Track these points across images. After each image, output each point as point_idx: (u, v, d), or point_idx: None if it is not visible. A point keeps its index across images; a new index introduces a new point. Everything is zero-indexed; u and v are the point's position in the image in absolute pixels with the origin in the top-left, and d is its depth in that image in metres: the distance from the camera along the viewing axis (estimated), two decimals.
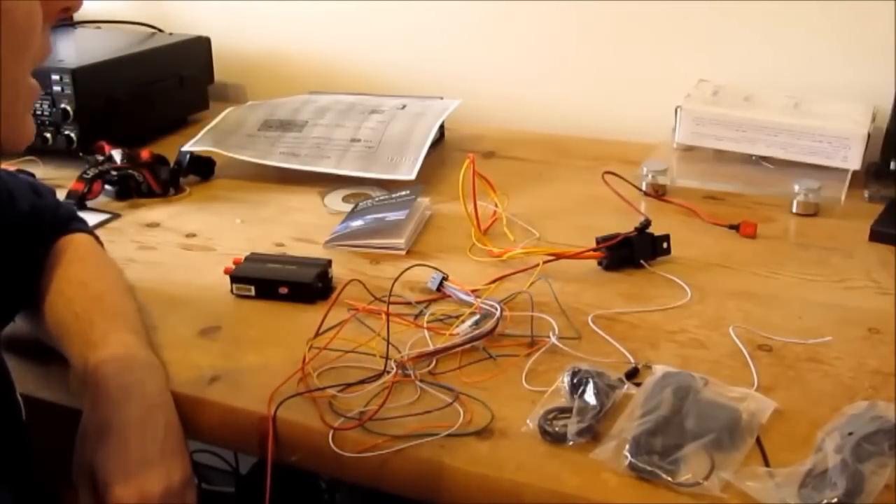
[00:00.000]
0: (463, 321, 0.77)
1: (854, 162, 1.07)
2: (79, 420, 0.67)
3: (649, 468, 0.59)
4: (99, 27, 1.51)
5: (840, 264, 0.91)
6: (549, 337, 0.75)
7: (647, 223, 0.90)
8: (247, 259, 0.88)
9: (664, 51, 1.29)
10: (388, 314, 0.76)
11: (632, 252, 0.89)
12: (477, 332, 0.75)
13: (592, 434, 0.63)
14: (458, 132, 1.32)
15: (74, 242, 0.81)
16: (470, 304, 0.80)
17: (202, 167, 1.17)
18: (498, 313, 0.75)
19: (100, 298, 0.76)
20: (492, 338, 0.75)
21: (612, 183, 1.08)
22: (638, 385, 0.68)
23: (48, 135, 1.20)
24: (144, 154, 1.14)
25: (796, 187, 1.03)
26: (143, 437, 0.64)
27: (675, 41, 1.28)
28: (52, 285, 0.76)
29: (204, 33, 1.45)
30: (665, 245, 0.91)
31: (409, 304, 0.82)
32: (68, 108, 1.18)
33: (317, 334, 0.76)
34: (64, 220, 0.83)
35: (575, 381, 0.67)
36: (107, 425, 0.64)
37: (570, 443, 0.62)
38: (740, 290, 0.85)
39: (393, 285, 0.79)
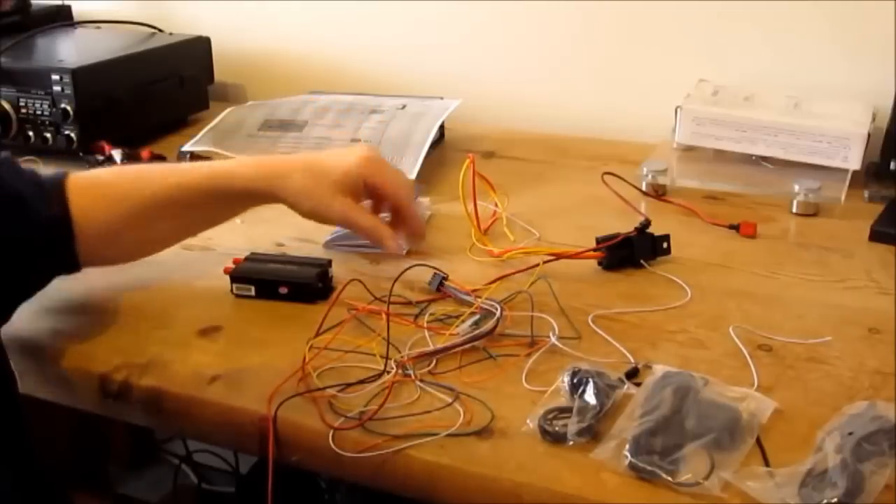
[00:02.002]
0: (463, 321, 0.77)
1: (854, 162, 1.07)
2: (78, 420, 0.67)
3: (649, 468, 0.59)
4: (99, 27, 1.51)
5: (840, 264, 0.91)
6: (549, 337, 0.75)
7: (647, 223, 0.90)
8: (247, 259, 0.88)
9: (664, 51, 1.29)
10: (388, 314, 0.76)
11: (632, 252, 0.89)
12: (477, 332, 0.75)
13: (592, 434, 0.63)
14: (458, 132, 1.32)
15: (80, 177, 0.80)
16: (470, 304, 0.80)
17: None
18: (498, 313, 0.75)
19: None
20: (492, 338, 0.75)
21: (612, 183, 1.08)
22: (638, 385, 0.68)
23: (48, 135, 1.20)
24: (144, 154, 1.14)
25: (796, 187, 1.03)
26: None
27: (675, 41, 1.28)
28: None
29: (204, 33, 1.45)
30: (665, 245, 0.91)
31: (409, 304, 0.82)
32: (68, 108, 1.18)
33: (317, 334, 0.76)
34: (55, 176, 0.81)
35: (575, 381, 0.67)
36: (312, 160, 0.81)
37: (570, 443, 0.62)
38: (740, 290, 0.85)
39: (393, 285, 0.79)
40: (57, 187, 0.77)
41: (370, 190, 0.84)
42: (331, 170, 0.81)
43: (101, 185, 0.80)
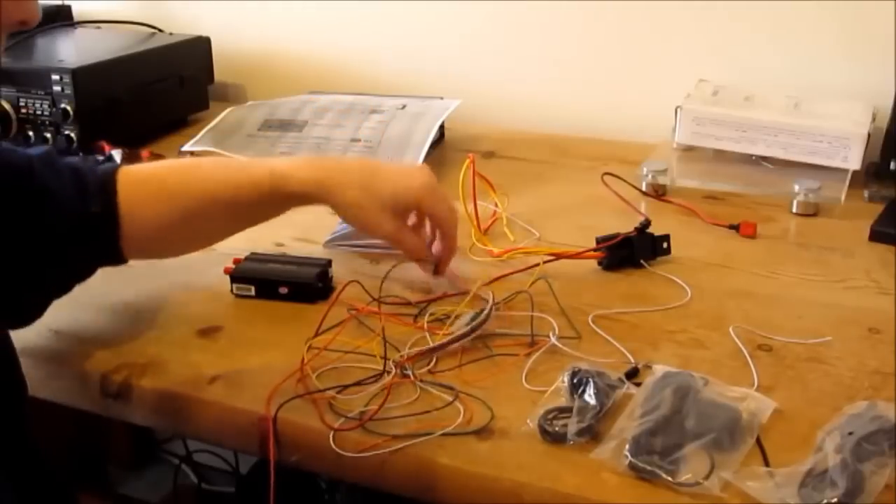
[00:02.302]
0: (458, 318, 0.77)
1: (854, 162, 1.07)
2: (78, 420, 0.67)
3: (649, 468, 0.59)
4: (99, 27, 1.51)
5: (840, 264, 0.91)
6: (549, 337, 0.75)
7: (647, 223, 0.90)
8: (247, 259, 0.88)
9: (664, 51, 1.29)
10: (381, 313, 0.76)
11: (632, 252, 0.89)
12: (473, 324, 0.74)
13: (592, 434, 0.63)
14: (458, 132, 1.32)
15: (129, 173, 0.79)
16: (463, 293, 0.80)
17: None
18: (490, 301, 0.75)
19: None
20: (492, 337, 0.75)
21: (612, 183, 1.08)
22: (638, 385, 0.68)
23: (48, 135, 1.20)
24: (144, 154, 1.14)
25: (796, 187, 1.03)
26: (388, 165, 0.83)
27: (675, 41, 1.28)
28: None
29: (204, 33, 1.45)
30: (665, 245, 0.91)
31: (408, 304, 0.82)
32: (68, 108, 1.18)
33: (316, 334, 0.76)
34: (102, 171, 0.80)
35: (575, 381, 0.67)
36: (368, 173, 0.80)
37: (570, 443, 0.62)
38: (740, 290, 0.85)
39: (382, 282, 0.79)
40: (104, 184, 0.76)
41: (421, 214, 0.84)
42: (386, 190, 0.80)
43: (153, 181, 0.79)
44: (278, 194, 0.79)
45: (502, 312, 0.80)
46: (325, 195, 0.79)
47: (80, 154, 1.17)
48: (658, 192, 1.09)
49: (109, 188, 0.76)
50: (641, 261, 0.89)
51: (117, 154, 1.13)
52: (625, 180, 1.09)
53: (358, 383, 0.69)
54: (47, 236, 0.72)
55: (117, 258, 0.78)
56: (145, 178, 0.78)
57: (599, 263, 0.89)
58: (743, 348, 0.74)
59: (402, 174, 0.82)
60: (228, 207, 0.79)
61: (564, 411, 0.65)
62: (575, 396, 0.65)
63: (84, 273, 0.77)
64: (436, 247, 0.85)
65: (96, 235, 0.75)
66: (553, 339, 0.74)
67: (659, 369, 0.69)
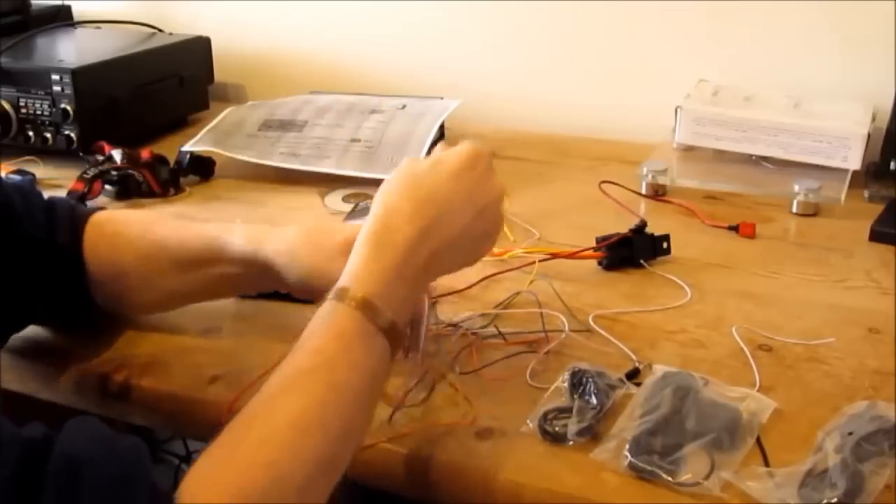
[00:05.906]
0: None
1: (854, 162, 1.07)
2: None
3: (649, 468, 0.59)
4: (99, 27, 1.51)
5: (840, 264, 0.91)
6: (556, 334, 0.75)
7: (643, 224, 0.90)
8: None
9: (664, 51, 1.29)
10: None
11: (632, 252, 0.89)
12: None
13: (592, 434, 0.63)
14: (458, 132, 1.31)
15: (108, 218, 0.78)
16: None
17: (202, 167, 1.17)
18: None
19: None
20: (492, 336, 0.75)
21: (610, 190, 1.07)
22: (638, 385, 0.68)
23: (48, 135, 1.20)
24: (144, 154, 1.14)
25: (796, 187, 1.03)
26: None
27: (675, 41, 1.28)
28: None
29: (204, 33, 1.45)
30: (665, 245, 0.91)
31: None
32: (68, 108, 1.18)
33: None
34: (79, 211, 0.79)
35: (575, 380, 0.67)
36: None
37: (570, 443, 0.62)
38: (740, 290, 0.85)
39: None
40: (73, 220, 0.76)
41: None
42: (335, 230, 0.70)
43: (117, 222, 0.77)
44: (217, 253, 0.73)
45: (502, 311, 0.80)
46: (257, 250, 0.73)
47: (80, 155, 1.17)
48: (658, 192, 1.09)
49: (78, 225, 0.75)
50: (641, 261, 0.89)
51: (117, 154, 1.13)
52: (622, 186, 1.08)
53: None
54: (8, 253, 0.70)
55: (85, 297, 0.76)
56: (109, 220, 0.77)
57: (599, 263, 0.89)
58: (743, 348, 0.74)
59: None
60: (177, 260, 0.75)
61: (564, 411, 0.65)
62: (575, 396, 0.66)
63: (51, 305, 0.76)
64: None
65: (61, 266, 0.74)
66: (566, 330, 0.75)
67: (659, 369, 0.69)
